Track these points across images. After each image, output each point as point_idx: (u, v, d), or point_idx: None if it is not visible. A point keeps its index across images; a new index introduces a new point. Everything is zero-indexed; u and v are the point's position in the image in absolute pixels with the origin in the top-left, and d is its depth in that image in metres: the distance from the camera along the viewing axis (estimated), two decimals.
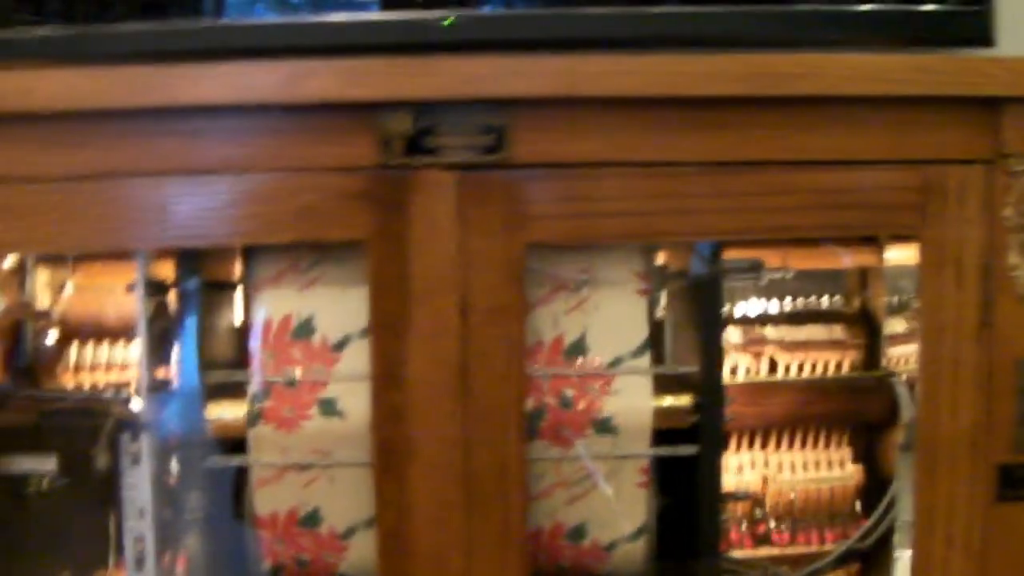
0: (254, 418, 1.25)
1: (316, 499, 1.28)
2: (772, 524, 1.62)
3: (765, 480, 1.61)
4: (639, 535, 1.31)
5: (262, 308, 1.28)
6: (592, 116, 1.15)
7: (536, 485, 1.28)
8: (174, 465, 1.31)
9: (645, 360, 1.29)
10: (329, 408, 1.25)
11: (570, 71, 1.12)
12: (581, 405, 1.27)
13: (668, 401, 1.30)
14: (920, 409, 1.22)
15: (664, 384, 1.30)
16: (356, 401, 1.23)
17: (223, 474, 1.31)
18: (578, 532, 1.31)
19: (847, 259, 1.56)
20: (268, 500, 1.28)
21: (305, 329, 1.27)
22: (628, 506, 1.30)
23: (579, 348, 1.28)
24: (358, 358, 1.24)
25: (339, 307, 1.27)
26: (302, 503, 1.28)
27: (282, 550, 1.29)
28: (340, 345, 1.26)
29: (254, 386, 1.26)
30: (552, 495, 1.29)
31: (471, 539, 1.17)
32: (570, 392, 1.28)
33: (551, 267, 1.29)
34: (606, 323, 1.29)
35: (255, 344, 1.27)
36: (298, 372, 1.26)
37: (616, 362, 1.28)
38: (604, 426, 1.28)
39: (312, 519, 1.29)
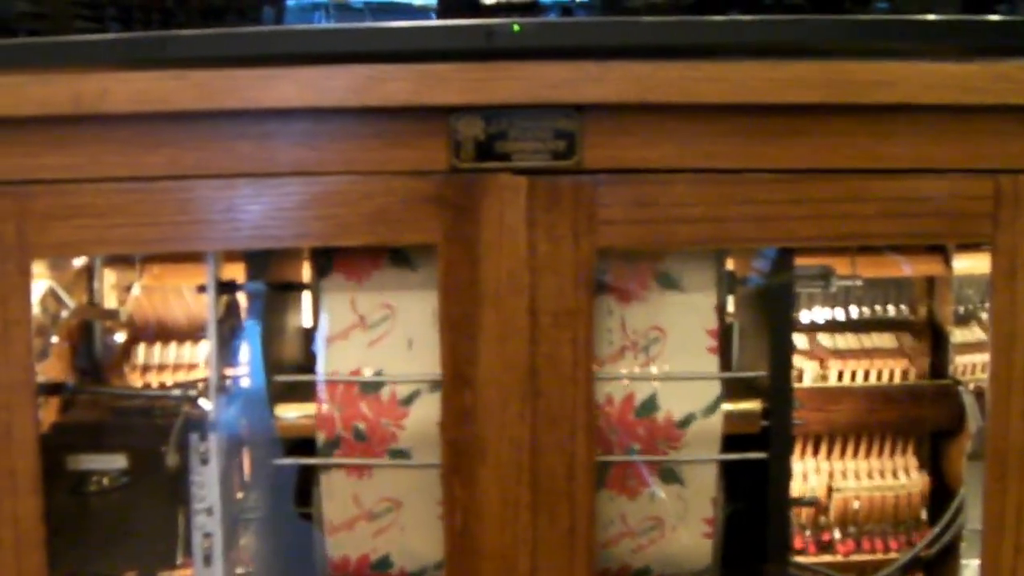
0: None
1: (388, 546, 1.30)
2: (836, 532, 1.62)
3: (830, 488, 1.61)
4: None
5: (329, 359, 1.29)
6: (665, 122, 1.14)
7: (603, 533, 1.29)
8: (242, 464, 1.32)
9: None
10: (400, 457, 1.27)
11: (644, 77, 1.12)
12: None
13: (738, 406, 1.29)
14: (990, 417, 1.20)
15: (733, 390, 1.29)
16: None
17: (289, 474, 1.32)
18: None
19: (914, 268, 1.55)
20: (340, 546, 1.30)
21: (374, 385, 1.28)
22: (692, 552, 1.31)
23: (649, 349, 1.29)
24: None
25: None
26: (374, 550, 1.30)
27: None
28: (408, 400, 1.27)
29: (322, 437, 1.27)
30: (619, 542, 1.31)
31: (538, 540, 1.17)
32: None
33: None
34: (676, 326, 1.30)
35: (321, 394, 1.27)
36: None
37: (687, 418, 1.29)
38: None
39: (384, 564, 1.31)
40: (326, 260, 1.30)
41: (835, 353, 1.62)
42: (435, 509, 1.24)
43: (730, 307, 1.37)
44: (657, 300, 1.29)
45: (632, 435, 1.27)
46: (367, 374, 1.27)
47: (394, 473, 1.27)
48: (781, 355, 1.27)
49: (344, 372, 1.27)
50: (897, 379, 1.60)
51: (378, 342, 1.28)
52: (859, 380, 1.60)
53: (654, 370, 1.28)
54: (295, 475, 1.32)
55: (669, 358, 1.29)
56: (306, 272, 1.37)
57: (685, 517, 1.30)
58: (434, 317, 1.18)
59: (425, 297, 1.25)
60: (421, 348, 1.26)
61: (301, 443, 1.28)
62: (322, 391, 1.26)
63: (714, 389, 1.28)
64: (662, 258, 1.29)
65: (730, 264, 1.34)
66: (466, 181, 1.14)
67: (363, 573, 1.31)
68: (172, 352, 1.57)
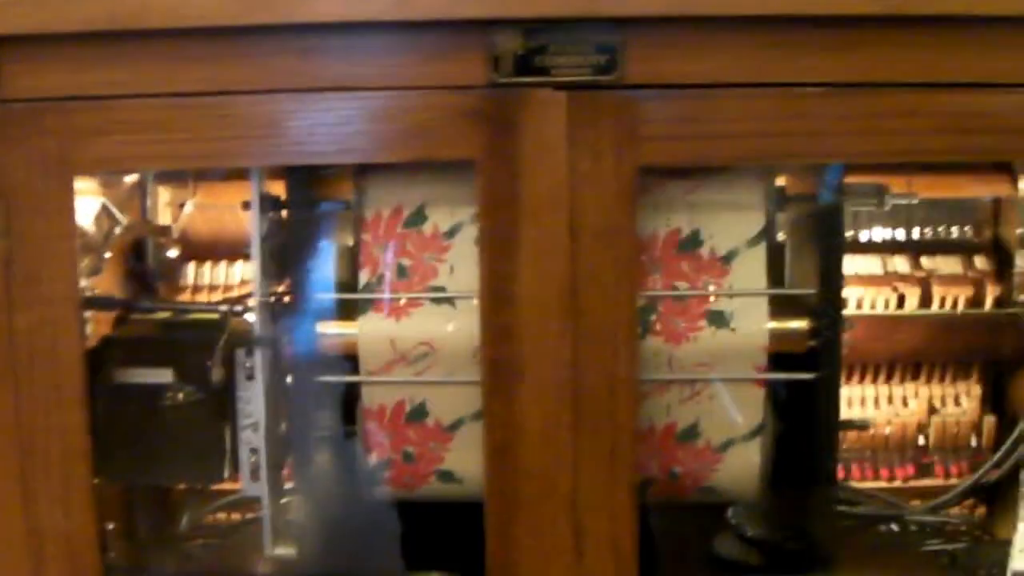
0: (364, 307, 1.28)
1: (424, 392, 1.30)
2: (896, 457, 1.60)
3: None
4: (755, 435, 1.29)
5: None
6: (710, 35, 1.11)
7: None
8: (288, 381, 1.33)
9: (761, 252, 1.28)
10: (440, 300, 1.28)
11: None
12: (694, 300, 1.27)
13: (786, 325, 1.27)
14: None
15: (782, 309, 1.27)
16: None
17: (335, 392, 1.33)
18: (691, 432, 1.30)
19: (978, 188, 1.51)
20: (375, 394, 1.30)
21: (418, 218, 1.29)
22: (743, 404, 1.29)
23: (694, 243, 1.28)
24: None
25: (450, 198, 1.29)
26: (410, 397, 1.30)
27: (388, 444, 1.31)
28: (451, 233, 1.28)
29: (364, 276, 1.28)
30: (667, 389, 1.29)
31: (579, 459, 1.16)
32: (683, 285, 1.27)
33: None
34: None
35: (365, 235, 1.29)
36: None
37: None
38: (718, 319, 1.26)
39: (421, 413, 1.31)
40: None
41: (899, 275, 1.59)
42: (475, 355, 1.22)
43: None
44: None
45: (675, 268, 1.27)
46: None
47: (434, 312, 1.28)
48: (831, 274, 1.25)
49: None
50: (961, 306, 1.56)
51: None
52: (921, 306, 1.56)
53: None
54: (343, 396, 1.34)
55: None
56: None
57: (736, 364, 1.28)
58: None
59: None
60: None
61: (345, 360, 1.29)
62: (367, 227, 1.29)
63: (759, 220, 1.27)
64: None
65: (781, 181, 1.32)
66: (505, 96, 1.12)
67: (398, 422, 1.31)
68: (222, 272, 1.59)
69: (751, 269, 1.27)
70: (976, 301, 1.57)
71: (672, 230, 1.28)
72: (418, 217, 1.29)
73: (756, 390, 1.28)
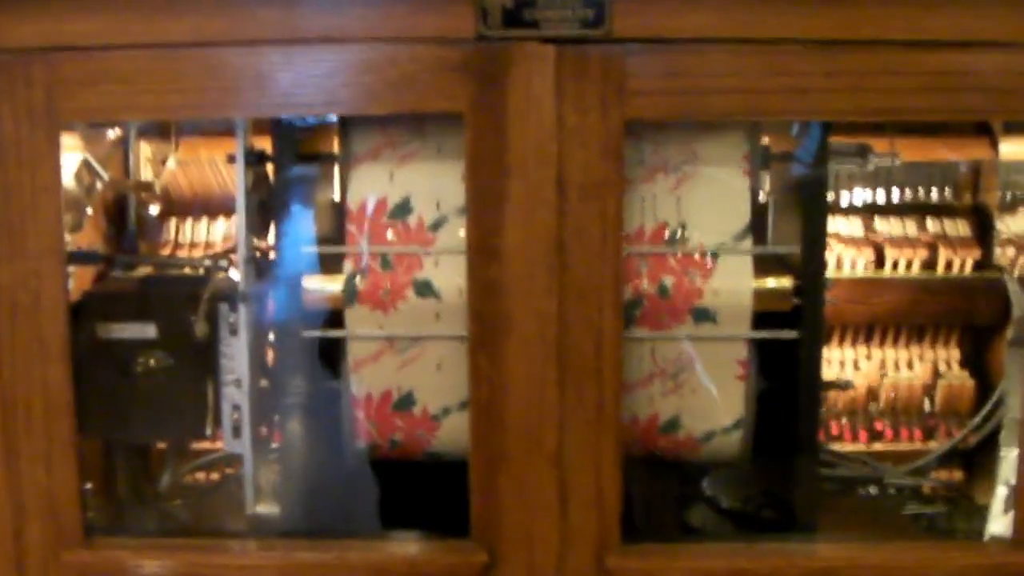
0: (351, 297, 1.27)
1: (411, 381, 1.29)
2: (875, 420, 1.60)
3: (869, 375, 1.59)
4: (736, 428, 1.30)
5: (358, 187, 1.28)
6: None
7: (633, 375, 1.27)
8: (271, 337, 1.33)
9: (747, 244, 1.27)
10: (425, 289, 1.26)
11: None
12: (680, 290, 1.26)
13: (769, 283, 1.27)
14: None
15: (765, 267, 1.28)
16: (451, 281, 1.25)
17: (318, 348, 1.32)
18: (673, 424, 1.30)
19: (959, 151, 1.51)
20: (364, 382, 1.30)
21: (402, 209, 1.27)
22: (725, 398, 1.29)
23: (680, 231, 1.27)
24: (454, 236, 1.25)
25: (435, 184, 1.27)
26: (397, 386, 1.29)
27: (375, 431, 1.31)
28: (436, 225, 1.26)
29: (348, 266, 1.27)
30: (649, 385, 1.29)
31: (565, 416, 1.17)
32: (669, 280, 1.26)
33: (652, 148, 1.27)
34: (708, 204, 1.27)
35: (350, 226, 1.28)
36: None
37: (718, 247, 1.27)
38: (703, 315, 1.26)
39: (407, 402, 1.30)
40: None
41: (879, 236, 1.59)
42: (461, 345, 1.22)
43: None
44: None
45: (662, 263, 1.27)
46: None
47: (420, 304, 1.27)
48: (814, 232, 1.25)
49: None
50: (941, 266, 1.57)
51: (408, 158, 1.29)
52: (901, 267, 1.57)
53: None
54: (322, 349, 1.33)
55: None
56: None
57: (718, 358, 1.28)
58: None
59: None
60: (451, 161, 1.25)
61: (329, 316, 1.29)
62: (352, 218, 1.28)
63: (744, 214, 1.26)
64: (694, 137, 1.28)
65: (766, 139, 1.32)
66: (493, 49, 1.12)
67: (385, 411, 1.31)
68: (204, 229, 1.58)
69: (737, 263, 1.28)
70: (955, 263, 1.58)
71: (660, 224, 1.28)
72: (403, 209, 1.28)
73: (738, 384, 1.28)
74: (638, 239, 1.26)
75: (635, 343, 1.26)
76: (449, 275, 1.25)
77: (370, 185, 1.28)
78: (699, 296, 1.26)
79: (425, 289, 1.27)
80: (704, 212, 1.27)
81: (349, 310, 1.27)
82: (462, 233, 1.20)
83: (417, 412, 1.30)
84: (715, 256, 1.26)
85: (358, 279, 1.27)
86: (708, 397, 1.29)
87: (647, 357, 1.28)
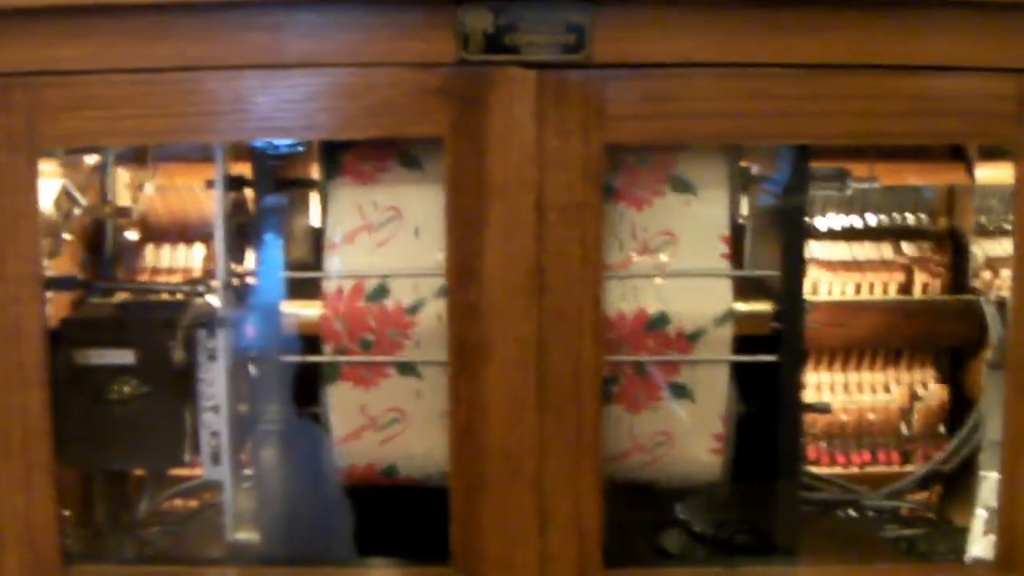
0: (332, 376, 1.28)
1: (394, 455, 1.31)
2: (853, 443, 1.61)
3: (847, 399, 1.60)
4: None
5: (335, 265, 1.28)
6: (678, 15, 1.12)
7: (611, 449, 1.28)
8: (250, 362, 1.32)
9: (727, 327, 1.27)
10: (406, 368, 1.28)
11: None
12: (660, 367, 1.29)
13: (749, 307, 1.28)
14: (1012, 325, 1.18)
15: (744, 291, 1.28)
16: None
17: (297, 374, 1.32)
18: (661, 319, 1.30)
19: (935, 176, 1.52)
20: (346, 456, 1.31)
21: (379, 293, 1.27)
22: (698, 469, 1.32)
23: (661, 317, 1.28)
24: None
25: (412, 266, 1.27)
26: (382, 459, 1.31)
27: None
28: (414, 308, 1.27)
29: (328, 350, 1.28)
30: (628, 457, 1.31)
31: (544, 440, 1.16)
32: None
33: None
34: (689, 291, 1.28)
35: (326, 309, 1.27)
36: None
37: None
38: (681, 391, 1.29)
39: (390, 472, 1.32)
40: (334, 161, 1.30)
41: (853, 264, 1.60)
42: (441, 420, 1.22)
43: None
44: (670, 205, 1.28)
45: (642, 346, 1.27)
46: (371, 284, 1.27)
47: (402, 382, 1.28)
48: (793, 256, 1.26)
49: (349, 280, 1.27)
50: (917, 290, 1.58)
51: (385, 243, 1.27)
52: (878, 291, 1.58)
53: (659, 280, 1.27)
54: (300, 376, 1.32)
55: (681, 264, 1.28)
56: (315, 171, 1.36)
57: (694, 431, 1.30)
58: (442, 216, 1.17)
59: (434, 197, 1.23)
60: (428, 242, 1.25)
61: (307, 342, 1.28)
62: (328, 303, 1.27)
63: (726, 298, 1.26)
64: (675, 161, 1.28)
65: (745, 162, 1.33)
66: (474, 74, 1.12)
67: (371, 478, 1.32)
68: (182, 254, 1.57)
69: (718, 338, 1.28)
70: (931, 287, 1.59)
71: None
72: (380, 292, 1.28)
73: (712, 456, 1.31)
74: (619, 324, 1.26)
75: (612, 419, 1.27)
76: (431, 355, 1.26)
77: (346, 270, 1.28)
78: (676, 373, 1.28)
79: (407, 368, 1.28)
80: (685, 297, 1.27)
81: (331, 387, 1.28)
82: (441, 314, 1.21)
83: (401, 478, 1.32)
84: (694, 338, 1.27)
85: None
86: (685, 465, 1.31)
87: (625, 432, 1.29)
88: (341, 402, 1.29)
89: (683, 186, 1.28)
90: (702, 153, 1.29)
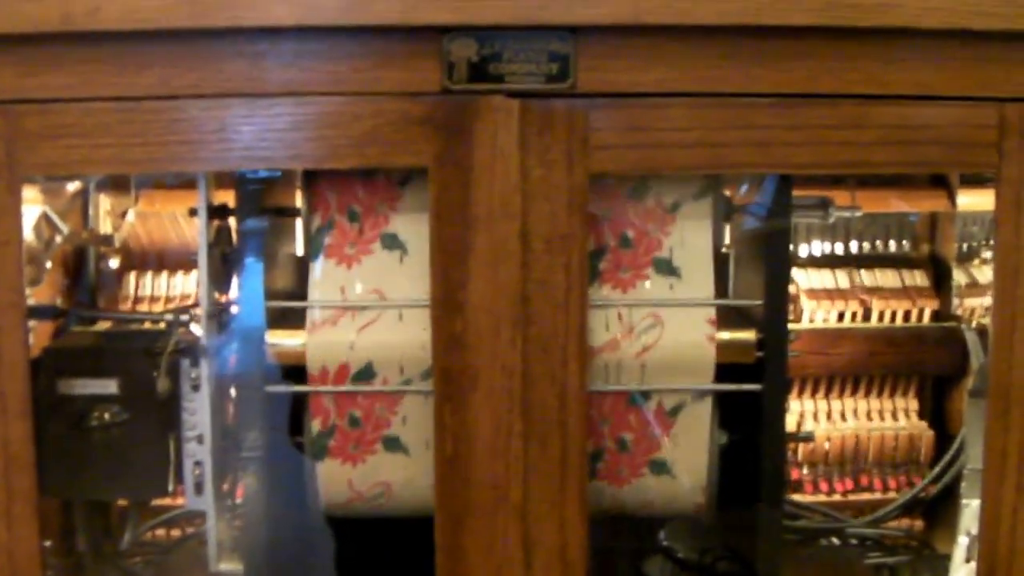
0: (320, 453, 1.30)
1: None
2: (835, 471, 1.61)
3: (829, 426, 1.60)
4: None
5: (317, 353, 1.28)
6: (660, 45, 1.12)
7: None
8: (233, 392, 1.32)
9: (707, 404, 1.29)
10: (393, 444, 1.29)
11: None
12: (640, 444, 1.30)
13: (732, 336, 1.28)
14: (993, 352, 1.18)
15: (728, 320, 1.28)
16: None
17: (282, 403, 1.31)
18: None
19: (917, 203, 1.53)
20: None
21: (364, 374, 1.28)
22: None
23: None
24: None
25: (396, 349, 1.28)
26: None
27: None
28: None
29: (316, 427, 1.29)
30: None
31: (529, 469, 1.16)
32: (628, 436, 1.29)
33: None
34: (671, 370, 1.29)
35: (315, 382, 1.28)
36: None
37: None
38: (660, 467, 1.30)
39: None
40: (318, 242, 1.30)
41: (837, 292, 1.61)
42: (428, 493, 1.20)
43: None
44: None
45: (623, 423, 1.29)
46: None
47: (388, 459, 1.29)
48: (777, 285, 1.26)
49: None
50: (900, 317, 1.58)
51: (368, 326, 1.28)
52: (860, 318, 1.58)
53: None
54: (287, 404, 1.32)
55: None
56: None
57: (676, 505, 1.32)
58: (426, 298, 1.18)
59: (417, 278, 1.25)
60: (412, 323, 1.27)
61: (292, 371, 1.28)
62: (315, 382, 1.28)
63: (708, 375, 1.27)
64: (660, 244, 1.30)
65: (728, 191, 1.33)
66: (458, 103, 1.12)
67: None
68: (164, 282, 1.57)
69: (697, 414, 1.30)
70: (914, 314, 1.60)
71: None
72: (365, 373, 1.28)
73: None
74: (599, 402, 1.27)
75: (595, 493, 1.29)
76: (418, 432, 1.27)
77: (330, 352, 1.28)
78: (656, 449, 1.29)
79: (393, 445, 1.29)
80: (668, 376, 1.28)
81: (319, 464, 1.29)
82: (428, 392, 1.21)
83: None
84: (674, 414, 1.28)
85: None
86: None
87: (609, 501, 1.31)
88: (330, 478, 1.30)
89: (667, 269, 1.28)
90: (687, 236, 1.29)
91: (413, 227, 1.27)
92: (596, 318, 1.25)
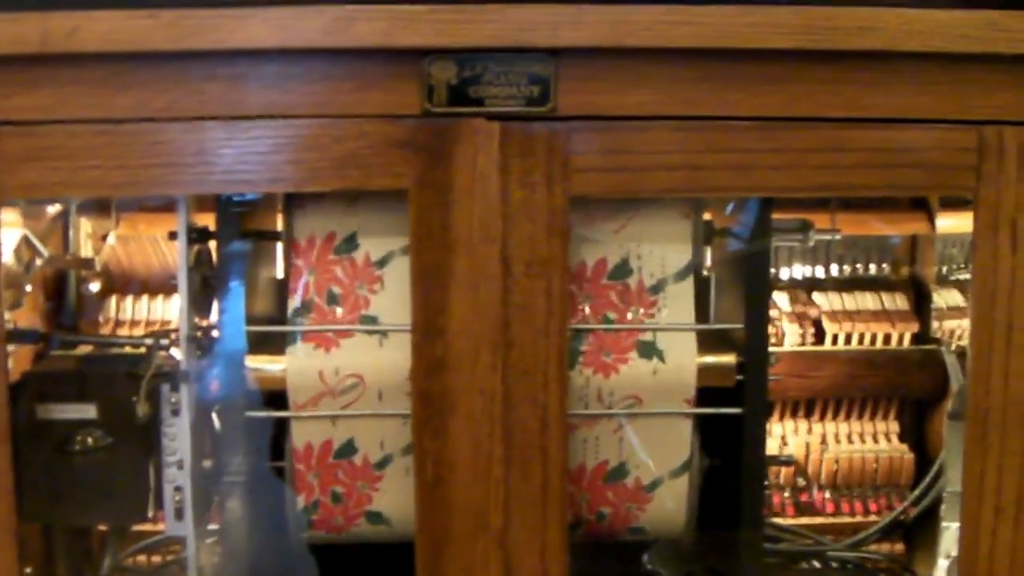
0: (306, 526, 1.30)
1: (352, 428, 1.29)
2: (816, 494, 1.61)
3: (809, 449, 1.60)
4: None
5: (300, 432, 1.29)
6: (640, 68, 1.13)
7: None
8: (214, 417, 1.31)
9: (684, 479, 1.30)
10: (376, 519, 1.30)
11: (618, 21, 1.10)
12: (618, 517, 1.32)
13: (713, 359, 1.28)
14: (971, 374, 1.19)
15: (708, 344, 1.28)
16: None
17: (262, 429, 1.31)
18: (620, 470, 1.31)
19: (897, 226, 1.53)
20: (304, 431, 1.29)
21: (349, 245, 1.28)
22: (670, 439, 1.31)
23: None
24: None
25: (377, 427, 1.28)
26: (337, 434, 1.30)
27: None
28: (382, 464, 1.29)
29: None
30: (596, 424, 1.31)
31: (510, 494, 1.16)
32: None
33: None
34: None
35: (299, 465, 1.29)
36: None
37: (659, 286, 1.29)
38: (648, 350, 1.28)
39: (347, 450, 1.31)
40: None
41: (819, 312, 1.61)
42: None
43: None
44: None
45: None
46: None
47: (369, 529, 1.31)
48: (757, 309, 1.26)
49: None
50: (880, 340, 1.58)
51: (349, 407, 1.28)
52: (841, 341, 1.58)
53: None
54: (268, 429, 1.31)
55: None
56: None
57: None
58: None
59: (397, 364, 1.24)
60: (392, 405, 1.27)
61: (273, 396, 1.27)
62: (299, 459, 1.28)
63: (684, 450, 1.28)
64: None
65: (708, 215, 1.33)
66: (439, 126, 1.12)
67: (325, 461, 1.31)
68: (145, 306, 1.56)
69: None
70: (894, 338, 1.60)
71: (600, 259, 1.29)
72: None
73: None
74: (579, 476, 1.28)
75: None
76: (401, 505, 1.27)
77: (313, 431, 1.28)
78: (635, 520, 1.31)
79: (376, 519, 1.29)
80: (646, 452, 1.29)
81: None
82: (408, 469, 1.22)
83: (358, 461, 1.30)
84: (653, 488, 1.29)
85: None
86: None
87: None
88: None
89: (650, 352, 1.28)
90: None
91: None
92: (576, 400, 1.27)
